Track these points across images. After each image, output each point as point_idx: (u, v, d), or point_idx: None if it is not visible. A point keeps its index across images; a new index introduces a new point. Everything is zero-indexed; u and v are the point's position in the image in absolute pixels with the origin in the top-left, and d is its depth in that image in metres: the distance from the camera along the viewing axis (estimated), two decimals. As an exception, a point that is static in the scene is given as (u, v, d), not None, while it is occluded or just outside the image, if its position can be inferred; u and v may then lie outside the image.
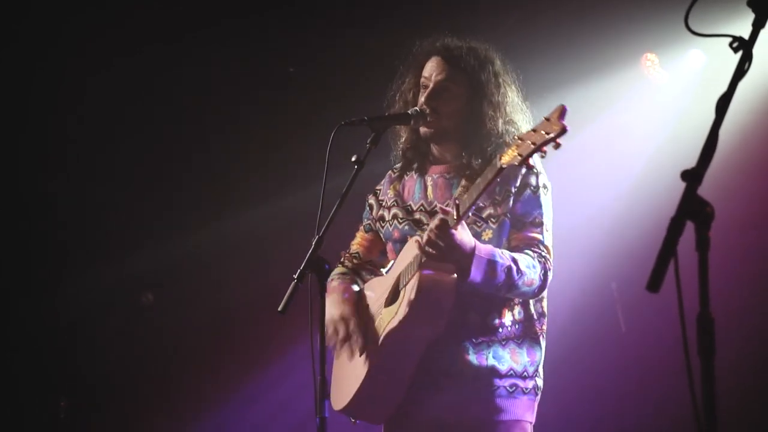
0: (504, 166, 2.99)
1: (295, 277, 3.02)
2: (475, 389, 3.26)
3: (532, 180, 3.32)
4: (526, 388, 3.31)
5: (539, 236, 3.28)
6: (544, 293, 3.37)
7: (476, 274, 3.11)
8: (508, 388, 3.28)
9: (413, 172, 3.53)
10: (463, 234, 3.10)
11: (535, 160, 3.29)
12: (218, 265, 6.81)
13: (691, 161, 1.96)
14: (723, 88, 2.06)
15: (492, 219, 3.29)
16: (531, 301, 3.35)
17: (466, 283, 3.14)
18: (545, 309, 3.42)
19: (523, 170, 3.29)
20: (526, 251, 3.24)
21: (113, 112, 6.44)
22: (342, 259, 3.70)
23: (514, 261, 3.16)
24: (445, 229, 3.06)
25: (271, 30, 6.45)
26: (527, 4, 6.07)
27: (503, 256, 3.16)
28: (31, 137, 6.39)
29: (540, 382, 3.38)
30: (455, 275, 3.17)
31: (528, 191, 3.31)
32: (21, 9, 5.98)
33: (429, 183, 3.46)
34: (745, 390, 5.66)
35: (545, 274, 3.24)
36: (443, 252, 3.08)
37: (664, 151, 5.93)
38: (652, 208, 5.81)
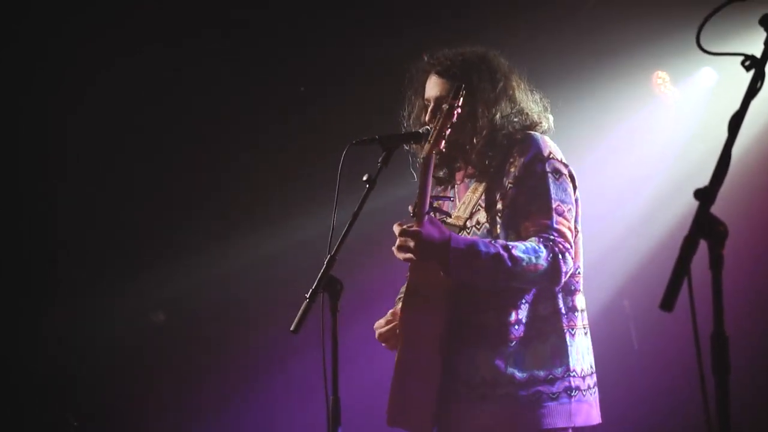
0: (423, 157, 3.22)
1: (307, 296, 3.03)
2: (495, 401, 3.20)
3: (538, 167, 3.27)
4: (554, 393, 3.20)
5: (547, 221, 3.19)
6: (578, 287, 3.31)
7: (456, 264, 3.09)
8: (531, 398, 3.19)
9: (447, 186, 3.55)
10: (431, 229, 3.11)
11: (548, 143, 3.32)
12: (230, 284, 6.81)
13: (703, 180, 1.96)
14: (735, 106, 2.06)
15: (498, 215, 3.28)
16: (559, 296, 3.26)
17: (451, 274, 3.12)
18: (578, 304, 3.31)
19: (527, 159, 3.28)
20: (533, 238, 3.17)
21: (123, 131, 6.46)
22: None
23: (506, 248, 3.10)
24: (406, 231, 3.11)
25: (281, 49, 6.48)
26: (538, 21, 6.08)
27: (489, 245, 3.11)
28: (50, 152, 6.42)
29: (576, 381, 3.23)
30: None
31: (533, 179, 3.26)
32: (21, 9, 6.00)
33: (456, 192, 3.50)
34: (760, 408, 5.63)
35: (554, 258, 3.12)
36: (415, 251, 3.10)
37: (677, 170, 5.92)
38: (665, 226, 5.81)
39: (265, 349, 6.58)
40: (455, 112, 3.25)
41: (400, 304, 3.54)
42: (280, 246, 6.63)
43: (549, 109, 3.52)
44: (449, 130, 3.27)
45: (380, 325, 3.47)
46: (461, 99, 3.26)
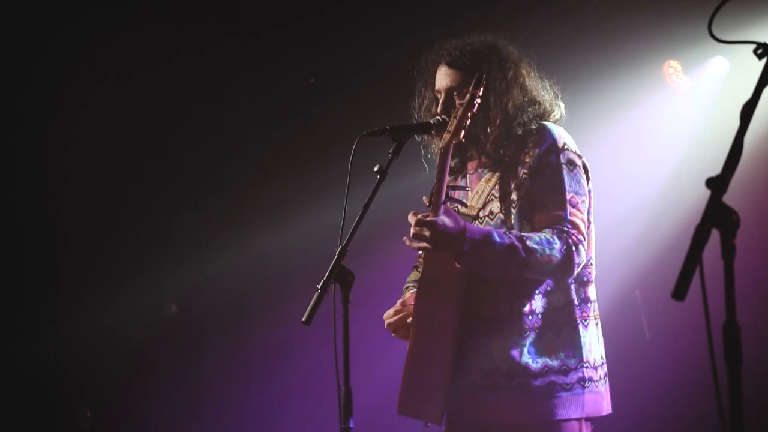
0: (442, 147, 3.22)
1: (319, 287, 3.04)
2: (509, 390, 3.21)
3: (552, 158, 3.27)
4: (567, 384, 3.20)
5: (561, 213, 3.19)
6: (590, 278, 3.32)
7: (471, 254, 3.10)
8: (545, 388, 3.19)
9: (459, 175, 3.55)
10: (447, 220, 3.11)
11: (562, 135, 3.32)
12: (242, 277, 6.82)
13: (715, 168, 1.95)
14: (747, 94, 2.05)
15: (512, 206, 3.28)
16: (572, 287, 3.26)
17: (465, 264, 3.13)
18: (590, 295, 3.32)
19: (541, 150, 3.27)
20: (546, 229, 3.18)
21: (122, 125, 6.47)
22: (417, 264, 3.73)
23: (520, 239, 3.11)
24: (422, 220, 3.11)
25: (291, 40, 6.48)
26: (549, 10, 6.07)
27: (504, 236, 3.12)
28: (49, 152, 6.44)
29: (589, 372, 3.23)
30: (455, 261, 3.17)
31: (548, 170, 3.26)
32: (22, 10, 6.02)
33: (468, 182, 3.50)
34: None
35: (568, 250, 3.13)
36: (430, 241, 3.10)
37: (689, 159, 5.91)
38: (676, 215, 5.79)
39: (276, 341, 6.60)
40: (476, 102, 3.24)
41: (407, 294, 3.55)
42: (291, 238, 6.64)
43: (560, 96, 3.52)
44: (469, 120, 3.26)
45: (389, 315, 3.47)
46: (482, 89, 3.25)
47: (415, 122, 3.51)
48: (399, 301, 3.52)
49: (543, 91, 3.47)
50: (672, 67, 6.20)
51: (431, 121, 3.40)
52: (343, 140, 3.47)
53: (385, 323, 3.47)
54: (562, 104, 3.50)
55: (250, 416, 6.72)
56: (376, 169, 3.21)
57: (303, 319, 3.01)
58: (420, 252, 3.53)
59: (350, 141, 3.26)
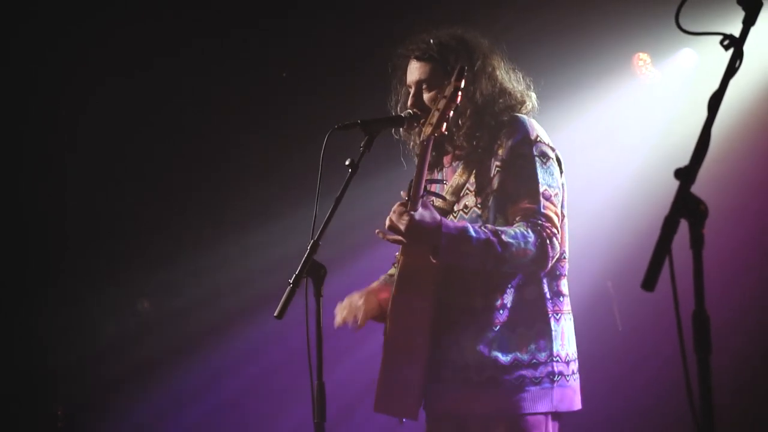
0: (423, 140, 3.21)
1: (291, 281, 3.03)
2: (480, 384, 3.22)
3: (525, 150, 3.27)
4: (537, 378, 3.21)
5: (534, 206, 3.20)
6: (563, 272, 3.32)
7: (447, 249, 3.10)
8: (514, 381, 3.20)
9: (435, 169, 3.54)
10: (424, 213, 3.12)
11: (534, 127, 3.32)
12: (213, 274, 6.80)
13: (684, 159, 1.97)
14: (715, 86, 2.06)
15: (486, 200, 3.28)
16: (545, 280, 3.27)
17: (441, 258, 3.13)
18: (563, 288, 3.32)
19: (514, 142, 3.27)
20: (520, 222, 3.18)
21: (102, 119, 6.45)
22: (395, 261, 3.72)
23: (495, 233, 3.11)
24: (400, 212, 3.11)
25: (263, 34, 6.46)
26: (520, 3, 6.08)
27: (479, 230, 3.12)
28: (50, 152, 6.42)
29: (560, 366, 3.23)
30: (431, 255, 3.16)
31: (521, 162, 3.26)
32: (24, 12, 6.00)
33: (443, 175, 3.50)
34: (741, 386, 5.66)
35: (542, 243, 3.13)
36: (405, 234, 3.11)
37: (658, 150, 5.93)
38: (646, 206, 5.82)
39: (249, 336, 6.57)
40: (459, 94, 3.23)
41: (376, 284, 3.55)
42: (263, 234, 6.62)
43: (532, 87, 3.52)
44: (452, 113, 3.25)
45: (343, 307, 3.47)
46: (463, 81, 3.23)
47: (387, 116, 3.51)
48: (366, 289, 3.50)
49: (515, 82, 3.47)
50: (641, 59, 6.23)
51: (403, 115, 3.41)
52: (315, 135, 3.46)
53: (337, 317, 3.45)
54: (533, 95, 3.50)
55: (223, 411, 6.70)
56: (347, 162, 3.21)
57: (275, 314, 3.01)
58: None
59: (322, 135, 3.25)
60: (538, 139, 3.31)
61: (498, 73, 3.44)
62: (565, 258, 3.36)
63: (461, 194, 3.36)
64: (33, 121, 6.35)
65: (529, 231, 3.14)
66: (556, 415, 3.27)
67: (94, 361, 6.59)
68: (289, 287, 3.02)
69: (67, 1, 6.12)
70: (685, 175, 1.93)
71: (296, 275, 3.03)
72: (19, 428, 6.43)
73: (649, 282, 1.85)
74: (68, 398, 6.36)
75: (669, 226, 1.89)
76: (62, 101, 6.30)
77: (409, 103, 3.42)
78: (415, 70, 3.43)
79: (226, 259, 6.74)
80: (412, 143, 3.54)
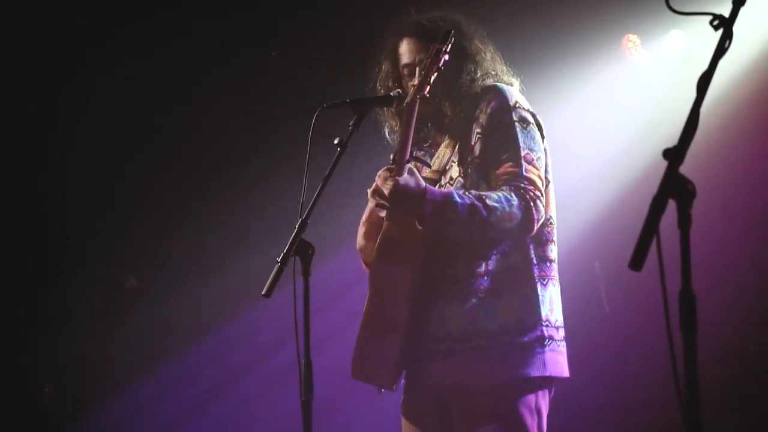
0: (407, 103, 3.24)
1: (279, 260, 3.03)
2: (465, 354, 3.20)
3: (505, 116, 3.28)
4: (525, 343, 3.18)
5: (516, 169, 3.18)
6: (550, 237, 3.30)
7: (432, 215, 3.09)
8: (501, 348, 3.17)
9: (432, 149, 3.53)
10: (409, 179, 3.12)
11: (513, 94, 3.33)
12: (202, 254, 6.79)
13: (672, 140, 1.97)
14: (704, 67, 2.06)
15: (469, 167, 3.28)
16: (531, 246, 3.25)
17: (425, 225, 3.12)
18: (550, 254, 3.30)
19: (493, 108, 3.28)
20: (503, 187, 3.17)
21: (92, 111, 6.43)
22: None
23: (480, 198, 3.10)
24: (385, 177, 3.12)
25: (251, 13, 6.43)
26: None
27: (464, 196, 3.11)
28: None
29: (549, 331, 3.21)
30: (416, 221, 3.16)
31: (501, 128, 3.26)
32: (24, 12, 5.99)
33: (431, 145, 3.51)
34: (728, 367, 5.69)
35: (527, 206, 3.12)
36: (389, 199, 3.11)
37: (646, 131, 5.94)
38: (634, 186, 5.84)
39: (236, 317, 6.57)
40: (442, 57, 3.24)
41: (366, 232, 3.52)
42: (251, 214, 6.61)
43: (519, 75, 3.52)
44: (435, 74, 3.25)
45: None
46: (449, 45, 3.25)
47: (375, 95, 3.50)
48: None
49: (503, 64, 3.49)
50: (631, 40, 6.23)
51: (392, 94, 3.40)
52: (304, 114, 3.45)
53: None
54: (519, 79, 3.51)
55: (208, 392, 6.69)
56: (336, 141, 3.20)
57: (263, 292, 3.01)
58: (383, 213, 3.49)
59: (310, 114, 3.24)
60: (517, 105, 3.31)
61: (486, 54, 3.44)
62: (552, 224, 3.34)
63: (447, 166, 3.36)
64: (33, 121, 6.35)
65: (513, 194, 3.14)
66: (548, 381, 3.25)
67: (80, 339, 6.58)
68: (276, 266, 3.02)
69: (67, 1, 6.11)
70: (674, 155, 1.93)
71: (284, 254, 3.03)
72: (3, 408, 6.42)
73: (637, 262, 1.85)
74: (54, 377, 6.35)
75: (657, 206, 1.89)
76: (62, 101, 6.30)
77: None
78: (408, 51, 3.42)
79: (211, 241, 6.75)
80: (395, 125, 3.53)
